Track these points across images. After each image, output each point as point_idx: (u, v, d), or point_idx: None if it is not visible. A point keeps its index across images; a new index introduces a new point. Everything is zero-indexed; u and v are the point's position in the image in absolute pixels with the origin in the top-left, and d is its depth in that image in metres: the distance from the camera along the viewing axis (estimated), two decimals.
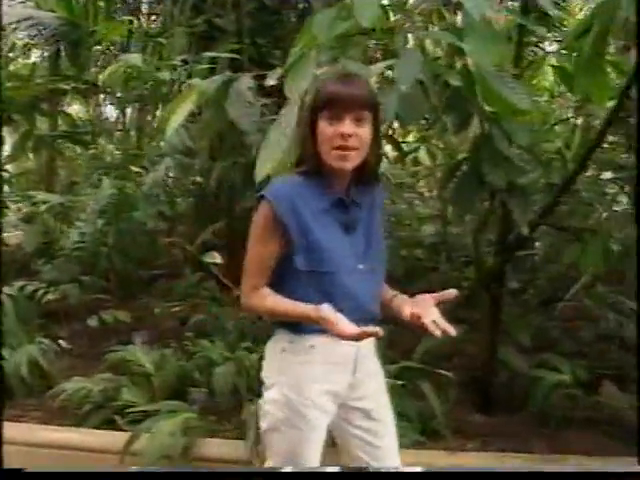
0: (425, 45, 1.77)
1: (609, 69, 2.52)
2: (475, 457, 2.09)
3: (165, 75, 2.55)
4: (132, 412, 2.22)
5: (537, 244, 3.64)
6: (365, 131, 1.21)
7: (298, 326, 1.23)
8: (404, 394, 2.21)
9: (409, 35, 1.81)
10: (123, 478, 1.00)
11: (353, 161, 1.22)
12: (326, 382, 1.26)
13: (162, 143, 3.35)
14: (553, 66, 2.70)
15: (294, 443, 1.26)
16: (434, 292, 1.23)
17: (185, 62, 3.07)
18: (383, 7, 2.22)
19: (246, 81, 2.03)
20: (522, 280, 3.23)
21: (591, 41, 1.85)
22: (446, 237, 3.38)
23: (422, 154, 3.77)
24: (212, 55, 2.71)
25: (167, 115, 2.06)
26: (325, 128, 1.21)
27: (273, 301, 1.24)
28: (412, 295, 1.28)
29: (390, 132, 3.56)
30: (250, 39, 3.67)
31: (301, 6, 3.90)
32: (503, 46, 1.73)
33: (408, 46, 1.76)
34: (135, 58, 2.46)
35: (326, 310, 1.14)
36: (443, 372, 2.23)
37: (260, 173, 1.64)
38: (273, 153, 1.65)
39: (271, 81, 1.97)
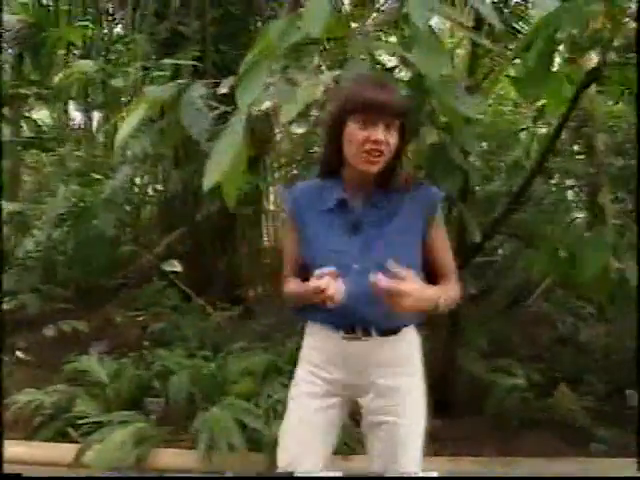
0: (375, 55, 1.79)
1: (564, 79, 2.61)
2: (427, 462, 2.10)
3: (118, 82, 2.52)
4: (85, 423, 2.18)
5: (500, 251, 3.72)
6: (394, 138, 1.24)
7: (301, 311, 1.35)
8: None
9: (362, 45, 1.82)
10: None
11: (379, 165, 1.24)
12: (318, 367, 1.34)
13: (126, 150, 3.32)
14: (508, 76, 2.75)
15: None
16: None
17: (147, 69, 3.05)
18: (339, 17, 2.27)
19: (199, 89, 2.02)
20: (483, 286, 3.28)
21: (535, 55, 1.91)
22: None
23: None
24: (171, 62, 2.68)
25: (119, 123, 2.04)
26: (356, 131, 1.23)
27: (289, 286, 1.37)
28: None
29: None
30: (214, 46, 3.68)
31: (267, 13, 3.91)
32: (447, 57, 1.75)
33: (360, 56, 1.78)
34: (86, 64, 2.43)
35: (314, 282, 1.16)
36: None
37: (208, 182, 1.63)
38: (221, 162, 1.64)
39: (224, 89, 1.98)
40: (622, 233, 3.85)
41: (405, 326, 1.31)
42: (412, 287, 1.14)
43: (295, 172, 3.96)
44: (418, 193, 1.31)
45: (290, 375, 2.41)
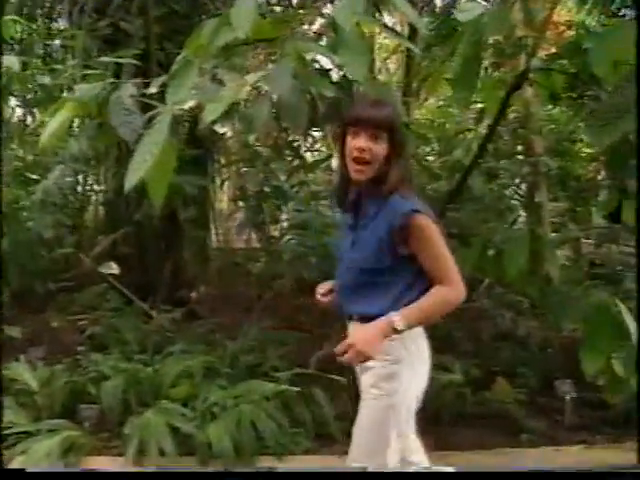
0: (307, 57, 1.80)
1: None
2: None
3: (44, 79, 2.44)
4: (12, 434, 2.10)
5: None
6: (380, 147, 1.41)
7: None
8: (299, 400, 2.23)
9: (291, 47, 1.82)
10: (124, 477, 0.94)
11: (366, 174, 1.42)
12: None
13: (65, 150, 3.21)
14: (446, 79, 2.82)
15: None
16: None
17: (87, 66, 2.97)
18: (272, 19, 2.27)
19: (129, 88, 1.98)
20: None
21: (461, 59, 1.96)
22: None
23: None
24: (109, 60, 2.61)
25: (46, 122, 1.98)
26: (349, 142, 1.45)
27: None
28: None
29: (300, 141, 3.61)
30: (158, 44, 3.60)
31: (212, 11, 3.86)
32: (370, 58, 1.78)
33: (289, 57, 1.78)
34: (10, 60, 2.34)
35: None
36: (336, 377, 2.26)
37: (129, 182, 1.61)
38: (144, 162, 1.61)
39: (153, 89, 1.94)
40: (558, 230, 4.03)
41: (382, 314, 1.36)
42: (352, 338, 1.34)
43: (245, 169, 3.95)
44: (389, 204, 1.43)
45: (228, 377, 2.42)
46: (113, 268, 2.64)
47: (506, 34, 2.20)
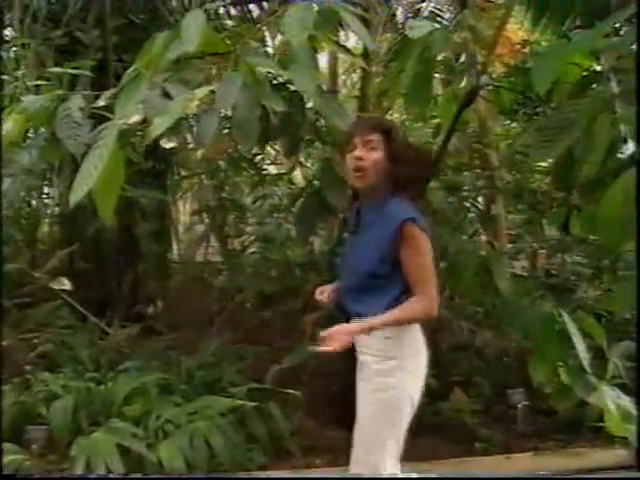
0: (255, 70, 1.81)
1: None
2: (322, 472, 2.13)
3: None
4: None
5: None
6: (375, 154, 1.51)
7: None
8: (254, 416, 2.21)
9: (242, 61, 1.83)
10: None
11: (364, 180, 1.52)
12: None
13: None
14: (402, 93, 2.87)
15: None
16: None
17: (41, 77, 2.90)
18: (224, 34, 2.28)
19: (77, 101, 1.95)
20: None
21: (411, 75, 2.01)
22: (314, 257, 3.47)
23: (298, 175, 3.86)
24: (62, 71, 2.56)
25: None
26: (348, 157, 1.55)
27: None
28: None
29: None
30: (116, 55, 3.56)
31: (172, 24, 3.84)
32: (317, 73, 1.80)
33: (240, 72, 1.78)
34: None
35: None
36: (291, 391, 2.25)
37: (74, 197, 1.58)
38: (89, 177, 1.59)
39: (102, 102, 1.92)
40: (515, 242, 4.14)
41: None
42: (331, 330, 1.40)
43: (207, 182, 3.92)
44: (387, 210, 1.50)
45: (184, 394, 2.38)
46: (65, 284, 2.56)
47: (455, 52, 2.27)
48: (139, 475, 1.95)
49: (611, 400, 2.00)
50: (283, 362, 2.65)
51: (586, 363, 1.92)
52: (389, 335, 1.46)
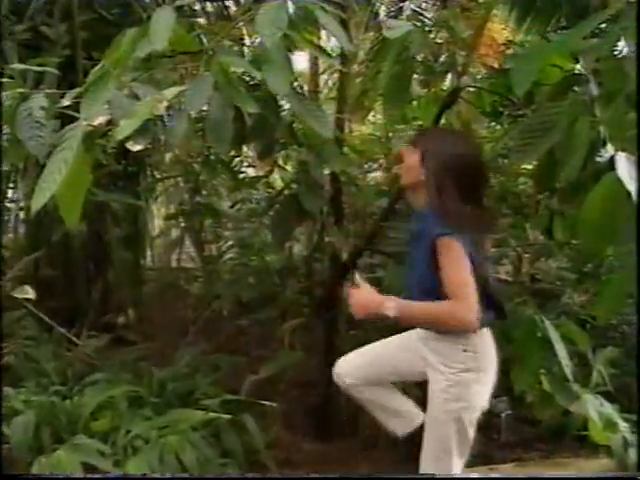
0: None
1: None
2: None
3: None
4: None
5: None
6: (411, 158, 1.62)
7: None
8: (229, 429, 2.19)
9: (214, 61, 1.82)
10: None
11: (401, 180, 1.69)
12: None
13: None
14: (380, 95, 2.88)
15: None
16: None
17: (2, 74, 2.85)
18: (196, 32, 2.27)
19: (39, 100, 1.91)
20: None
21: (388, 76, 2.02)
22: (293, 263, 3.47)
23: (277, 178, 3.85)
24: (23, 67, 2.51)
25: None
26: None
27: None
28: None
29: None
30: (85, 52, 3.51)
31: (145, 20, 3.81)
32: (291, 74, 1.80)
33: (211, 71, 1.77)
34: None
35: None
36: (267, 403, 2.24)
37: (36, 203, 1.54)
38: (53, 181, 1.56)
39: (66, 102, 1.89)
40: (501, 246, 4.18)
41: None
42: (354, 291, 1.56)
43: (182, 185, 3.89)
44: (426, 223, 1.56)
45: (155, 407, 2.35)
46: (29, 292, 2.51)
47: (434, 52, 2.30)
48: (139, 475, 1.96)
49: (594, 408, 2.03)
50: (260, 372, 2.64)
51: (568, 371, 1.94)
52: (468, 348, 1.52)
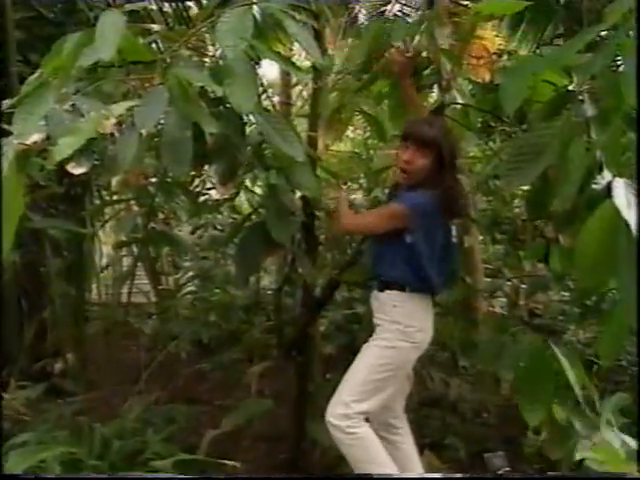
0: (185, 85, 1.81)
1: None
2: None
3: None
4: None
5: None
6: (410, 155, 2.08)
7: None
8: None
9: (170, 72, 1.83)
10: None
11: (408, 181, 2.12)
12: None
13: None
14: (364, 112, 2.93)
15: None
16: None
17: None
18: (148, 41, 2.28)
19: None
20: (346, 342, 3.38)
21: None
22: (259, 298, 3.46)
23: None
24: None
25: None
26: (399, 153, 2.14)
27: None
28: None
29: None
30: (21, 55, 3.50)
31: (92, 21, 3.81)
32: (257, 89, 1.83)
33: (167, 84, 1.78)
34: None
35: None
36: (229, 462, 2.20)
37: None
38: None
39: None
40: (495, 276, 4.24)
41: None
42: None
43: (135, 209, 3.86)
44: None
45: (95, 470, 2.28)
46: None
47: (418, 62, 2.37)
48: (138, 475, 2.14)
49: (618, 438, 2.03)
50: (222, 425, 2.61)
51: (581, 398, 1.95)
52: (397, 304, 2.05)
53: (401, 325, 2.05)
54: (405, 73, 2.37)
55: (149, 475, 2.15)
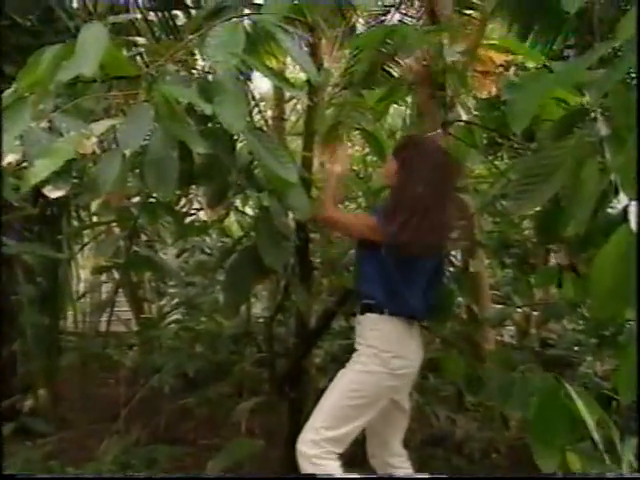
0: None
1: None
2: None
3: None
4: None
5: None
6: (387, 166, 2.27)
7: None
8: None
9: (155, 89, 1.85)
10: None
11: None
12: None
13: None
14: (362, 129, 2.96)
15: None
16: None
17: None
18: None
19: None
20: None
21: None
22: (250, 327, 3.44)
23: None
24: None
25: None
26: None
27: None
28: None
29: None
30: None
31: (72, 31, 3.84)
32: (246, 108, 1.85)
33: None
34: None
35: None
36: None
37: None
38: None
39: None
40: (504, 303, 4.23)
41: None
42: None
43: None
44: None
45: None
46: None
47: None
48: (139, 475, 2.24)
49: None
50: (208, 468, 2.58)
51: (599, 439, 1.93)
52: (374, 328, 2.09)
53: (376, 349, 2.05)
54: (423, 82, 2.49)
55: (149, 475, 2.23)
